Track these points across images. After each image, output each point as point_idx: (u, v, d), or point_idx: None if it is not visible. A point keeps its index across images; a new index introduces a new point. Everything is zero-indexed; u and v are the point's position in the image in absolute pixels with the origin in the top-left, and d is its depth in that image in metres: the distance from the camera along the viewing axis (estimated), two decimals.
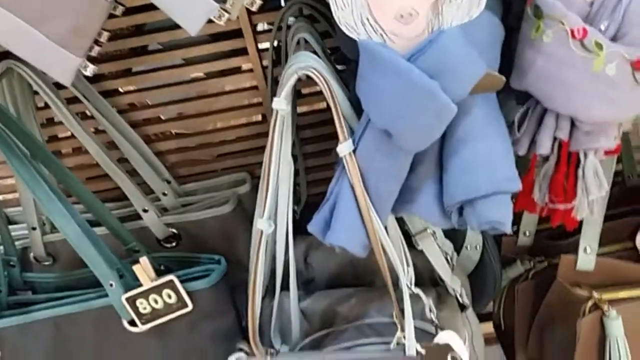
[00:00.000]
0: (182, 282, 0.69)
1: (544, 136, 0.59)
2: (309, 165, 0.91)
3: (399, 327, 0.62)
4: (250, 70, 0.84)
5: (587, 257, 0.75)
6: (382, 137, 0.55)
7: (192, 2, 0.52)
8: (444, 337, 0.62)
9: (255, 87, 0.86)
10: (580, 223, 0.73)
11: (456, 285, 0.72)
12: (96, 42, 0.55)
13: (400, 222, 0.68)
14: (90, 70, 0.56)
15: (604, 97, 0.55)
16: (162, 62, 0.85)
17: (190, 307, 0.69)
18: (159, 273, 0.70)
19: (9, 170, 0.86)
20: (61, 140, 0.90)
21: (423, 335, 0.63)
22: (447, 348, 0.61)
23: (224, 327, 0.73)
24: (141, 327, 0.70)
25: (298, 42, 0.71)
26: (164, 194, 0.87)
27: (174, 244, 0.85)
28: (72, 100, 0.82)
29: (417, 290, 0.65)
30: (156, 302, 0.69)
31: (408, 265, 0.68)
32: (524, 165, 0.63)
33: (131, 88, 0.89)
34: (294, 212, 0.69)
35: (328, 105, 0.58)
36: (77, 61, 0.54)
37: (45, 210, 0.73)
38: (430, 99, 0.51)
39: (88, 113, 0.84)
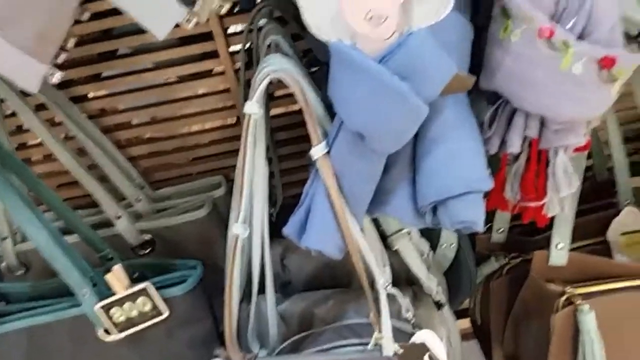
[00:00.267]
0: (157, 289, 0.68)
1: (514, 135, 0.60)
2: (284, 167, 0.91)
3: (376, 327, 0.62)
4: (222, 73, 0.83)
5: (559, 252, 0.76)
6: (355, 139, 0.55)
7: (160, 6, 0.51)
8: (421, 336, 0.62)
9: (227, 90, 0.85)
10: (552, 219, 0.74)
11: (432, 284, 0.73)
12: (62, 48, 0.54)
13: (376, 222, 0.69)
14: (57, 77, 0.55)
15: (571, 96, 0.56)
16: (132, 67, 0.84)
17: (166, 314, 0.69)
18: (134, 280, 0.69)
19: None
20: (31, 148, 0.88)
21: (400, 335, 0.64)
22: (424, 347, 0.61)
23: (201, 333, 0.72)
24: (116, 336, 0.69)
25: (269, 45, 0.71)
26: (137, 200, 0.86)
27: (148, 250, 0.85)
28: (41, 107, 0.81)
29: (394, 291, 0.66)
30: (131, 310, 0.68)
31: (385, 265, 0.68)
32: (496, 164, 0.64)
33: (101, 93, 0.87)
34: (270, 214, 0.69)
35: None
36: (43, 68, 0.53)
37: (15, 219, 0.72)
38: (401, 101, 0.51)
39: (57, 120, 0.83)
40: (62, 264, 0.68)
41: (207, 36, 0.80)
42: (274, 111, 0.88)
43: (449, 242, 0.80)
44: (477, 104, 0.61)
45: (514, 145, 0.60)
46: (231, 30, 0.83)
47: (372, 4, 0.50)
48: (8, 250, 0.83)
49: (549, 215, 0.65)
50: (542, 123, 0.59)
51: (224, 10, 0.56)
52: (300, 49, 0.75)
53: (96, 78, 0.85)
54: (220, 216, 0.85)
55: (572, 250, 0.77)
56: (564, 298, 0.73)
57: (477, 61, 0.60)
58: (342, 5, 0.50)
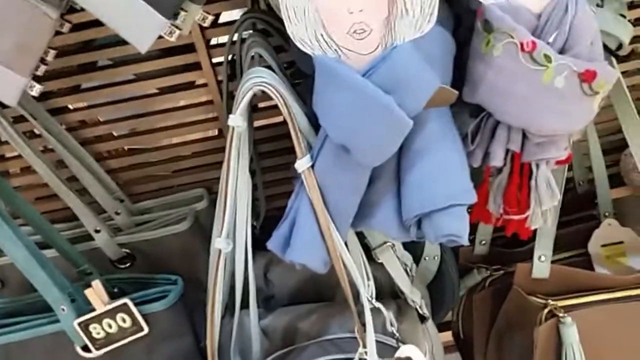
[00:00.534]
0: (137, 304, 0.67)
1: (496, 148, 0.60)
2: (268, 179, 0.90)
3: (360, 342, 0.62)
4: (205, 85, 0.83)
5: (542, 265, 0.76)
6: (340, 152, 0.55)
7: (142, 18, 0.51)
8: (405, 350, 0.62)
9: (210, 102, 0.85)
10: (535, 231, 0.74)
11: (416, 297, 0.73)
12: (42, 60, 0.53)
13: (360, 235, 0.68)
14: (36, 90, 0.54)
15: (553, 109, 0.56)
16: (113, 78, 0.83)
17: (145, 330, 0.68)
18: (113, 296, 0.68)
19: None
20: (8, 160, 0.86)
21: (385, 349, 0.63)
22: None
23: (182, 348, 0.71)
24: (95, 353, 0.68)
25: (253, 57, 0.70)
26: (117, 213, 0.85)
27: (128, 264, 0.83)
28: (19, 119, 0.79)
29: (378, 304, 0.65)
30: (110, 326, 0.67)
31: (369, 279, 0.68)
32: (479, 177, 0.64)
33: (81, 105, 0.86)
34: (253, 227, 0.68)
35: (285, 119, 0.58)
36: (22, 81, 0.52)
37: None
38: (385, 114, 0.51)
39: (36, 131, 0.81)
40: (39, 279, 0.67)
41: (190, 48, 0.79)
42: (257, 123, 0.88)
43: (432, 254, 0.80)
44: (459, 117, 0.61)
45: (497, 158, 0.61)
46: (214, 42, 0.83)
47: (354, 17, 0.50)
48: None
49: (532, 227, 0.65)
50: (525, 136, 0.60)
51: (207, 23, 0.55)
52: (284, 61, 0.75)
53: (76, 89, 0.83)
54: (203, 229, 0.84)
55: (553, 262, 0.78)
56: (546, 310, 0.73)
57: (460, 74, 0.60)
58: (325, 18, 0.50)
